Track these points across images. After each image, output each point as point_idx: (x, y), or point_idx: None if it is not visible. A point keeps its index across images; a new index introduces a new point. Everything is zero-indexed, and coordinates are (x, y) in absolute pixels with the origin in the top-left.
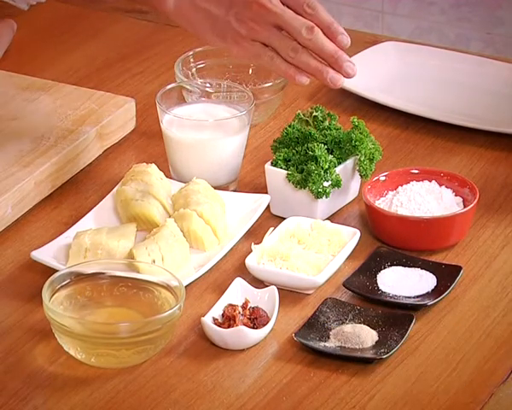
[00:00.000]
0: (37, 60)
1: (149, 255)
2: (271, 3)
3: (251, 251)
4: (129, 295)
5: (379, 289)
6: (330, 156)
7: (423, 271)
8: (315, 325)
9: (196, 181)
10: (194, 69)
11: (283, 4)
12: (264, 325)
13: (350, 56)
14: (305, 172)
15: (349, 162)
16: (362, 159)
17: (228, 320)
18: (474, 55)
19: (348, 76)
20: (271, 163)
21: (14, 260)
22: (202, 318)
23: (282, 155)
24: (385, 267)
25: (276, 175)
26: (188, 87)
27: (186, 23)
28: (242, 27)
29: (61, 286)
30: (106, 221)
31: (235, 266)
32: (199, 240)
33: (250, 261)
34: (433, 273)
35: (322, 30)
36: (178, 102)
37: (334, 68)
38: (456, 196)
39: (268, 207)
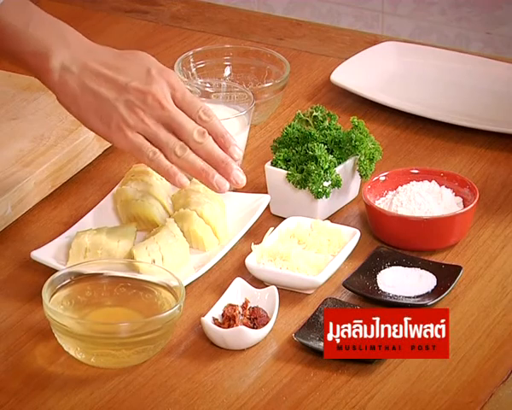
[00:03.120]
0: None
1: (149, 255)
2: (167, 101)
3: (251, 251)
4: (129, 295)
5: (379, 289)
6: (330, 156)
7: (423, 271)
8: (315, 325)
9: (196, 181)
10: (194, 69)
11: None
12: (264, 325)
13: (350, 56)
14: (305, 172)
15: (349, 162)
16: (362, 159)
17: (228, 320)
18: (474, 55)
19: (236, 185)
20: (271, 163)
21: (14, 260)
22: (202, 318)
23: (282, 155)
24: (385, 267)
25: (276, 175)
26: (188, 87)
27: (69, 101)
28: (131, 116)
29: (61, 286)
30: (106, 221)
31: (235, 266)
32: (199, 240)
33: (250, 261)
34: (433, 273)
35: (214, 139)
36: None
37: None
38: (456, 196)
39: (268, 207)
